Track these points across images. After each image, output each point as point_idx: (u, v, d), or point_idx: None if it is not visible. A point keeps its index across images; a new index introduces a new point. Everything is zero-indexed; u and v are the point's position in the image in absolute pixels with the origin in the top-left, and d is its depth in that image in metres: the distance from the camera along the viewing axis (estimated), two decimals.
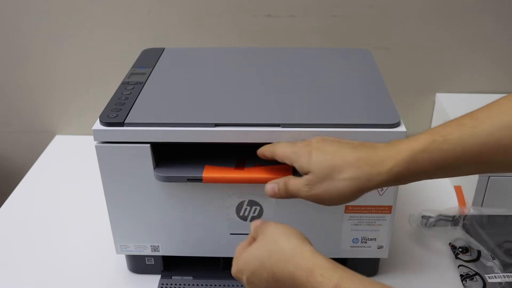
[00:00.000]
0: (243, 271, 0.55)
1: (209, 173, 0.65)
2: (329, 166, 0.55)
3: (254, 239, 0.56)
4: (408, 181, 0.55)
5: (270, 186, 0.60)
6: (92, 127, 0.66)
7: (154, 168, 0.67)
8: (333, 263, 0.49)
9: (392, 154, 0.53)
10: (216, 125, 0.65)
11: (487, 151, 0.50)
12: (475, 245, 0.80)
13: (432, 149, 0.52)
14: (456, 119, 0.53)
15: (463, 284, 0.76)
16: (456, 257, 0.80)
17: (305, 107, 0.69)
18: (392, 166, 0.53)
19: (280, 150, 0.60)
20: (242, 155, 0.68)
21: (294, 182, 0.58)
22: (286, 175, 0.63)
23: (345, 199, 0.56)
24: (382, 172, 0.53)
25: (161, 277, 0.78)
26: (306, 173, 0.57)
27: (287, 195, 0.59)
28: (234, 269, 0.57)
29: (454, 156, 0.51)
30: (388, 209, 0.70)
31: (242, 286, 0.76)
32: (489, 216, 0.85)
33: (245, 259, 0.55)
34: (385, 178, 0.53)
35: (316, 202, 0.58)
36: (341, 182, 0.55)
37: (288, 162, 0.59)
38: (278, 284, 0.51)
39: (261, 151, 0.63)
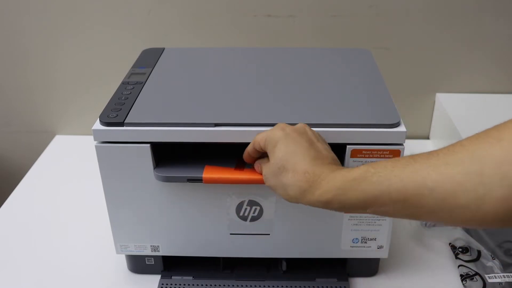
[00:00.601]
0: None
1: (209, 173, 0.65)
2: (281, 166, 0.57)
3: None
4: (341, 210, 0.54)
5: (256, 165, 0.64)
6: (92, 127, 0.66)
7: (154, 168, 0.67)
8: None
9: (329, 179, 0.53)
10: (216, 125, 0.65)
11: (412, 194, 0.47)
12: (475, 245, 0.80)
13: (362, 179, 0.50)
14: (410, 155, 0.51)
15: (463, 284, 0.76)
16: (456, 257, 0.80)
17: (305, 107, 0.69)
18: (323, 191, 0.53)
19: (257, 137, 0.61)
20: (242, 155, 0.68)
21: (263, 167, 0.61)
22: None
23: (286, 199, 0.57)
24: (313, 194, 0.54)
25: (161, 277, 0.78)
26: (268, 156, 0.60)
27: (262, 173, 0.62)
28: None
29: (380, 190, 0.49)
30: None
31: (242, 286, 0.76)
32: None
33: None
34: (314, 200, 0.54)
35: (270, 188, 0.60)
36: (284, 184, 0.57)
37: (261, 146, 0.61)
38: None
39: (245, 153, 0.65)
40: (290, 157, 0.56)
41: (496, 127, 0.45)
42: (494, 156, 0.43)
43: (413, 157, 0.49)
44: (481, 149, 0.45)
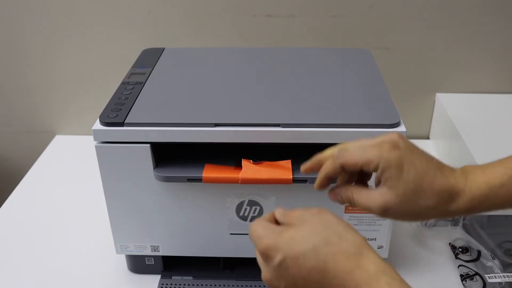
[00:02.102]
0: (281, 250, 0.46)
1: (209, 173, 0.65)
2: (416, 190, 0.50)
3: (279, 223, 0.50)
4: (478, 213, 0.54)
5: (333, 197, 0.55)
6: (92, 127, 0.66)
7: (154, 168, 0.67)
8: (398, 275, 0.45)
9: (471, 187, 0.52)
10: (216, 125, 0.65)
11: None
12: (475, 245, 0.80)
13: (510, 183, 0.51)
14: None
15: (463, 284, 0.76)
16: (456, 257, 0.80)
17: (305, 107, 0.69)
18: (468, 199, 0.51)
19: (351, 157, 0.51)
20: (242, 154, 0.68)
21: (363, 200, 0.52)
22: (285, 172, 0.63)
23: (418, 220, 0.55)
24: (459, 204, 0.51)
25: (161, 277, 0.78)
26: (385, 183, 0.50)
27: (352, 204, 0.53)
28: (269, 242, 0.47)
29: None
30: None
31: (242, 286, 0.76)
32: (489, 216, 0.85)
33: (290, 238, 0.46)
34: (460, 210, 0.52)
35: (385, 217, 0.54)
36: (422, 208, 0.51)
37: (369, 168, 0.51)
38: (323, 278, 0.45)
39: (311, 165, 0.55)
40: (422, 178, 0.50)
41: None
42: None
43: None
44: None
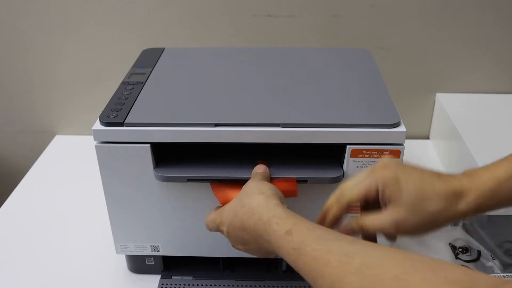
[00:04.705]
0: (224, 223, 0.59)
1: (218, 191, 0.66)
2: (420, 197, 0.51)
3: None
4: (489, 211, 0.53)
5: (346, 231, 0.56)
6: (92, 127, 0.66)
7: (154, 168, 0.67)
8: (291, 213, 0.52)
9: (478, 184, 0.52)
10: (216, 125, 0.65)
11: None
12: (475, 245, 0.80)
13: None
14: None
15: None
16: (456, 257, 0.80)
17: (305, 107, 0.69)
18: (476, 196, 0.51)
19: (354, 192, 0.55)
20: (242, 154, 0.68)
21: (374, 222, 0.54)
22: (291, 188, 0.63)
23: (434, 229, 0.53)
24: (468, 203, 0.51)
25: (161, 277, 0.78)
26: (389, 201, 0.53)
27: (366, 231, 0.55)
28: (217, 221, 0.61)
29: None
30: None
31: (242, 286, 0.76)
32: (489, 216, 0.85)
33: (226, 211, 0.59)
34: (470, 208, 0.52)
35: (401, 234, 0.55)
36: (432, 215, 0.52)
37: (372, 196, 0.54)
38: (246, 233, 0.56)
39: (321, 219, 0.58)
40: (422, 185, 0.52)
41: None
42: None
43: None
44: None
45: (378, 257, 0.42)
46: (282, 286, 0.76)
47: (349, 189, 0.55)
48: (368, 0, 1.00)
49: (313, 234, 0.48)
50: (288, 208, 0.55)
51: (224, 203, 0.64)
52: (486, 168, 0.54)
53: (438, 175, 0.54)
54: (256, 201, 0.56)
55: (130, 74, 0.79)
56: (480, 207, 0.52)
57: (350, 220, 0.56)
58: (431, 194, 0.51)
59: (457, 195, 0.52)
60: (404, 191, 0.52)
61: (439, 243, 0.84)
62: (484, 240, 0.81)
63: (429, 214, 0.52)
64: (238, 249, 0.60)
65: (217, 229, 0.62)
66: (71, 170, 1.06)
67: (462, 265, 0.78)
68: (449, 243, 0.83)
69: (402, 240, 0.85)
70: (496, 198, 0.52)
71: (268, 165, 0.65)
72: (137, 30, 1.05)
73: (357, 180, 0.55)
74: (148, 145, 0.65)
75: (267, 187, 0.58)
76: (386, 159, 0.56)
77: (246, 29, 1.04)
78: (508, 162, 0.53)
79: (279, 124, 0.65)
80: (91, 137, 0.66)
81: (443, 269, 0.38)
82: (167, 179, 0.67)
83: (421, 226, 0.52)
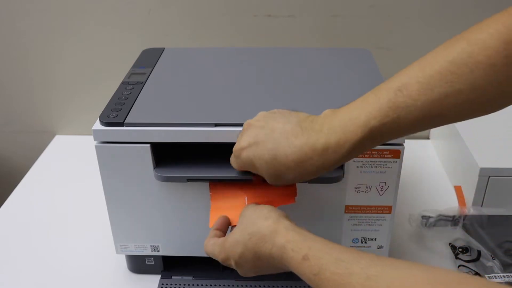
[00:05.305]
0: (230, 257, 0.57)
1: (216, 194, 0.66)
2: (277, 173, 0.55)
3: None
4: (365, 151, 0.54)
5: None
6: (92, 127, 0.66)
7: (154, 168, 0.67)
8: (304, 236, 0.51)
9: (346, 137, 0.51)
10: (216, 125, 0.65)
11: (431, 116, 0.49)
12: (475, 245, 0.80)
13: (383, 130, 0.50)
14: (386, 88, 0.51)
15: None
16: (456, 257, 0.80)
17: (305, 107, 0.68)
18: (348, 149, 0.51)
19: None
20: None
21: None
22: (291, 191, 0.63)
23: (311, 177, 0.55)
24: (341, 154, 0.51)
25: (161, 277, 0.78)
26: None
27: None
28: (222, 256, 0.58)
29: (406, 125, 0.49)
30: (388, 209, 0.70)
31: (242, 286, 0.76)
32: (489, 216, 0.85)
33: (230, 245, 0.57)
34: (341, 158, 0.52)
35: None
36: (294, 180, 0.56)
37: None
38: (262, 262, 0.54)
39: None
40: (277, 156, 0.55)
41: None
42: None
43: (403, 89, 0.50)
44: None
45: (401, 278, 0.42)
46: (282, 286, 0.76)
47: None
48: (368, 0, 1.00)
49: (330, 257, 0.47)
50: (294, 223, 0.54)
51: (215, 208, 0.65)
52: (349, 111, 0.52)
53: (297, 131, 0.53)
54: (266, 228, 0.53)
55: (130, 74, 0.79)
56: (354, 155, 0.52)
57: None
58: (286, 167, 0.53)
59: (325, 150, 0.51)
60: (261, 171, 0.56)
61: (439, 243, 0.84)
62: (484, 240, 0.81)
63: (291, 180, 0.55)
64: (248, 276, 0.58)
65: (222, 262, 0.59)
66: (71, 170, 1.06)
67: (462, 265, 0.78)
68: (449, 243, 0.83)
69: (401, 240, 0.85)
70: (371, 144, 0.51)
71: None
72: (137, 30, 1.05)
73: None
74: (148, 145, 0.65)
75: (267, 209, 0.57)
76: (239, 143, 0.58)
77: (246, 29, 1.04)
78: (377, 106, 0.50)
79: None
80: (91, 137, 0.66)
81: (469, 285, 0.38)
82: (167, 179, 0.67)
83: (296, 180, 0.56)
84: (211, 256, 0.60)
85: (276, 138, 0.54)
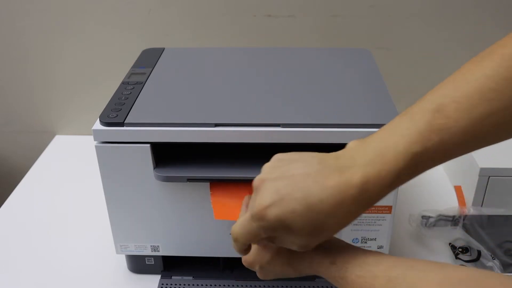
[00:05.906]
0: (256, 263, 0.57)
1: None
2: (313, 228, 0.46)
3: None
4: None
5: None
6: (92, 127, 0.66)
7: (154, 168, 0.67)
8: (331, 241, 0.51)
9: (388, 167, 0.45)
10: (216, 125, 0.65)
11: (474, 137, 0.46)
12: (475, 245, 0.80)
13: (419, 162, 0.45)
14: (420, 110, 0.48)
15: None
16: (456, 257, 0.80)
17: (305, 107, 0.69)
18: (392, 179, 0.46)
19: (247, 241, 0.53)
20: (242, 154, 0.68)
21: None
22: None
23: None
24: (378, 190, 0.47)
25: (161, 277, 0.78)
26: None
27: None
28: (247, 262, 0.56)
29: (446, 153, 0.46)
30: (388, 209, 0.70)
31: (242, 286, 0.76)
32: (489, 216, 0.85)
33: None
34: (385, 189, 0.47)
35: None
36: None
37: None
38: (292, 267, 0.53)
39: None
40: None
41: None
42: None
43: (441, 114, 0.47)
44: None
45: (419, 279, 0.42)
46: (282, 286, 0.76)
47: (238, 234, 0.52)
48: (368, 0, 1.00)
49: (355, 260, 0.48)
50: None
51: (216, 204, 0.64)
52: (382, 138, 0.47)
53: (325, 172, 0.46)
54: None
55: (130, 74, 0.79)
56: (394, 186, 0.47)
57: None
58: (325, 214, 0.45)
59: (364, 183, 0.45)
60: (296, 230, 0.46)
61: (439, 243, 0.84)
62: (484, 240, 0.81)
63: (333, 230, 0.48)
64: (266, 279, 0.57)
65: (248, 266, 0.57)
66: (71, 170, 1.06)
67: (462, 265, 0.78)
68: (449, 243, 0.83)
69: (401, 240, 0.85)
70: (413, 172, 0.46)
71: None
72: (137, 30, 1.05)
73: (241, 225, 0.52)
74: (148, 145, 0.65)
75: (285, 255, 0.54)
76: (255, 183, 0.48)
77: (246, 29, 1.04)
78: (416, 131, 0.46)
79: (279, 124, 0.65)
80: (91, 137, 0.66)
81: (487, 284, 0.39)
82: (167, 179, 0.67)
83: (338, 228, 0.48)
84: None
85: (303, 186, 0.45)
